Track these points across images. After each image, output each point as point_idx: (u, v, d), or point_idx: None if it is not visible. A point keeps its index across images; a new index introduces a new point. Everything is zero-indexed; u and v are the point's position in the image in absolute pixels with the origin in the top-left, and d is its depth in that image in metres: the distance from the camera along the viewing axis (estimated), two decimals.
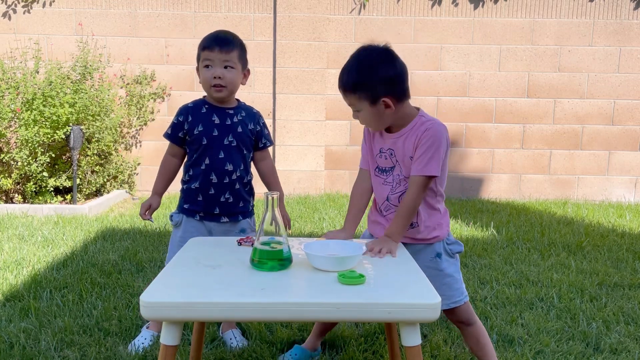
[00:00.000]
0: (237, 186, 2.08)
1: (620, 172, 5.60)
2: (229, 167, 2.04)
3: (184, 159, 2.12)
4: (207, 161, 2.03)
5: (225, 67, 1.97)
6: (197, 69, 2.03)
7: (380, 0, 5.37)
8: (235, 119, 2.07)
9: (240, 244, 1.67)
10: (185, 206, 2.09)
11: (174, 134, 2.06)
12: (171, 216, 2.12)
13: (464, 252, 3.46)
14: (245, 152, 2.09)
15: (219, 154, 2.03)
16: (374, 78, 1.69)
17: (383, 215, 1.84)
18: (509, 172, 5.62)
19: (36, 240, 3.63)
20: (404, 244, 1.77)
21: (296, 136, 5.53)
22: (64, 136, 4.52)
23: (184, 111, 2.06)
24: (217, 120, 2.04)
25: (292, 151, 5.55)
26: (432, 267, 1.78)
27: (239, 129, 2.07)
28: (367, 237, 1.91)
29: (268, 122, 5.56)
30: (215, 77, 1.96)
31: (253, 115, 2.13)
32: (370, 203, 1.94)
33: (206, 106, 2.07)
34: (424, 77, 5.48)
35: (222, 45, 1.96)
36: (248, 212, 2.15)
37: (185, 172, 2.10)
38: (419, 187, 1.72)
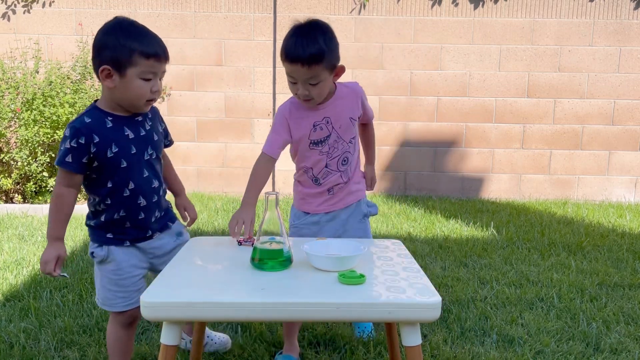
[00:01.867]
0: (163, 199, 1.81)
1: (621, 172, 5.59)
2: (155, 184, 1.74)
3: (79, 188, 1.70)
4: (130, 185, 1.67)
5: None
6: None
7: (380, 0, 5.37)
8: (147, 126, 1.72)
9: (241, 244, 1.67)
10: (109, 235, 1.71)
11: (76, 162, 1.58)
12: (92, 253, 1.72)
13: (463, 252, 3.46)
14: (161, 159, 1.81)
15: (142, 174, 1.69)
16: (334, 46, 1.79)
17: (319, 183, 1.97)
18: (509, 172, 5.62)
19: (36, 240, 3.62)
20: (336, 211, 2.00)
21: None
22: None
23: (83, 130, 1.58)
24: (130, 135, 1.66)
25: None
26: (361, 228, 2.04)
27: (155, 137, 1.74)
28: (299, 217, 2.03)
29: (268, 122, 5.56)
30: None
31: (156, 112, 1.82)
32: (273, 182, 2.10)
33: (110, 118, 1.64)
34: (424, 77, 5.48)
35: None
36: (172, 214, 1.89)
37: (99, 201, 1.69)
38: (371, 125, 2.16)
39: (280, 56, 1.80)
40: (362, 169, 2.18)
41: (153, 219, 1.75)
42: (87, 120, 1.60)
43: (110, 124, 1.63)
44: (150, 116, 1.75)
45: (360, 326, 2.28)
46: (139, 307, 1.57)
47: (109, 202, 1.67)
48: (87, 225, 1.75)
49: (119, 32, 1.57)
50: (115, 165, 1.64)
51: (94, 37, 1.64)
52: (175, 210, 1.94)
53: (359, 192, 2.05)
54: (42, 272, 1.64)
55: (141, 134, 1.69)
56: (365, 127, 2.15)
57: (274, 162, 1.91)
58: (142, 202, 1.70)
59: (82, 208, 4.46)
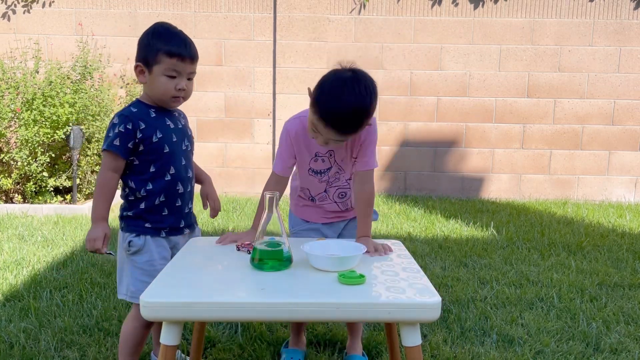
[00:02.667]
0: (193, 192, 1.90)
1: (620, 172, 5.60)
2: (190, 173, 1.86)
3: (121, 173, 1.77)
4: (172, 170, 1.78)
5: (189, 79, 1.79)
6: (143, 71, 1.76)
7: (380, 0, 5.37)
8: (182, 122, 1.88)
9: (239, 249, 1.67)
10: (148, 225, 1.77)
11: (123, 146, 1.70)
12: (129, 242, 1.76)
13: (463, 252, 3.46)
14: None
15: (181, 161, 1.82)
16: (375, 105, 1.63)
17: (317, 203, 1.94)
18: (509, 172, 5.62)
19: (36, 240, 3.63)
20: (335, 222, 1.97)
21: None
22: (64, 136, 4.52)
23: (131, 117, 1.72)
24: (171, 125, 1.81)
25: None
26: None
27: (189, 132, 1.90)
28: (299, 223, 2.00)
29: (268, 122, 5.56)
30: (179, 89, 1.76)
31: (186, 118, 1.95)
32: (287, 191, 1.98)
33: (152, 110, 1.78)
34: (424, 77, 5.48)
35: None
36: (195, 217, 1.96)
37: (140, 187, 1.76)
38: (372, 179, 1.82)
39: (317, 112, 1.60)
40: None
41: (186, 210, 1.86)
42: (134, 110, 1.75)
43: (153, 114, 1.77)
44: (183, 116, 1.91)
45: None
46: None
47: (150, 187, 1.76)
48: (122, 217, 1.82)
49: (151, 34, 1.72)
50: (160, 150, 1.75)
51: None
52: (197, 206, 1.99)
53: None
54: (90, 249, 1.70)
55: (179, 126, 1.84)
56: (361, 181, 1.81)
57: (286, 181, 1.86)
58: (180, 188, 1.81)
59: (82, 208, 4.47)
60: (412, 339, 1.30)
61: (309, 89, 1.68)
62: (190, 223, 1.89)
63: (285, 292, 1.33)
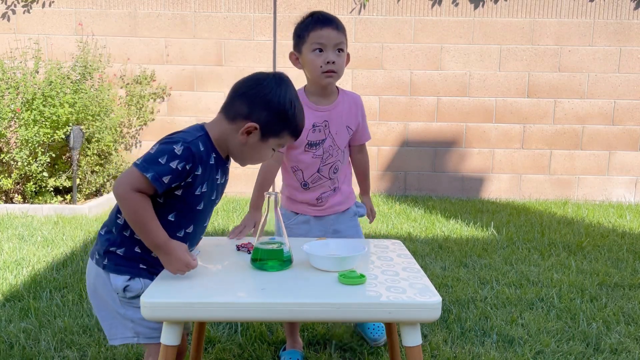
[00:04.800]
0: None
1: (621, 172, 5.59)
2: (204, 231, 1.64)
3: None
4: (189, 229, 1.51)
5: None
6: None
7: (380, 0, 5.37)
8: (227, 175, 1.61)
9: (239, 249, 1.67)
10: (142, 266, 1.50)
11: (168, 184, 1.38)
12: (125, 287, 1.48)
13: (463, 252, 3.46)
14: None
15: (205, 221, 1.58)
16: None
17: (308, 188, 1.98)
18: (509, 172, 5.62)
19: (36, 240, 3.62)
20: (324, 216, 2.02)
21: None
22: (64, 136, 4.52)
23: (196, 158, 1.41)
24: (219, 180, 1.54)
25: None
26: (352, 226, 2.08)
27: (225, 186, 1.64)
28: (289, 217, 2.02)
29: None
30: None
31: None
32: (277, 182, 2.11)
33: (214, 155, 1.48)
34: (424, 77, 5.48)
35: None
36: None
37: None
38: (366, 149, 2.11)
39: (304, 29, 1.87)
40: (359, 199, 2.19)
41: None
42: (202, 148, 1.43)
43: (212, 162, 1.48)
44: (228, 166, 1.63)
45: (372, 331, 2.21)
46: (185, 335, 1.53)
47: None
48: (108, 252, 1.49)
49: (287, 101, 1.47)
50: (194, 205, 1.48)
51: (253, 82, 1.53)
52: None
53: (349, 201, 2.07)
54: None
55: (222, 182, 1.58)
56: (360, 152, 2.10)
57: (281, 158, 1.93)
58: (187, 245, 1.51)
59: (81, 208, 4.47)
60: (412, 339, 1.30)
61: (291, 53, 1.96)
62: None
63: (285, 292, 1.33)
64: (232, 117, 1.47)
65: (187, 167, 1.38)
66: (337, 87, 1.96)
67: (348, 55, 1.89)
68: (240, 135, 1.46)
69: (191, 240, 1.56)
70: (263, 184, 1.91)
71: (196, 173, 1.41)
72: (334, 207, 2.02)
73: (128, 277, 1.48)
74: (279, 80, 1.49)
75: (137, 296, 1.45)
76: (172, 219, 1.47)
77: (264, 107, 1.45)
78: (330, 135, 1.92)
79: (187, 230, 1.51)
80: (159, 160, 1.35)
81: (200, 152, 1.42)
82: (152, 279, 1.47)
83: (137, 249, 1.48)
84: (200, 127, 1.49)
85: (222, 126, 1.49)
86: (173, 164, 1.36)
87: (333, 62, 1.81)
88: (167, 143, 1.39)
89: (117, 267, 1.48)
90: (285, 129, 1.48)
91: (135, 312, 1.48)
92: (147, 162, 1.36)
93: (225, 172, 1.58)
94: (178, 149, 1.37)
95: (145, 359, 1.60)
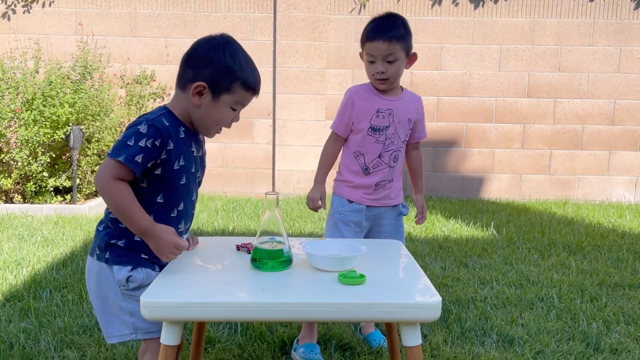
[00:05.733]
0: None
1: (621, 172, 5.59)
2: (195, 210, 1.64)
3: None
4: (180, 207, 1.54)
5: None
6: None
7: (380, 0, 5.37)
8: (204, 148, 1.64)
9: (239, 249, 1.67)
10: (144, 256, 1.50)
11: (143, 164, 1.40)
12: (128, 278, 1.48)
13: (463, 252, 3.46)
14: None
15: (192, 196, 1.58)
16: (409, 33, 1.99)
17: (369, 173, 2.06)
18: (509, 172, 5.62)
19: (36, 240, 3.62)
20: (376, 207, 2.10)
21: (296, 136, 5.52)
22: (64, 136, 4.52)
23: (163, 133, 1.43)
24: (195, 152, 1.56)
25: (292, 151, 5.55)
26: (396, 223, 2.15)
27: (205, 161, 1.66)
28: (343, 204, 2.10)
29: (268, 122, 5.56)
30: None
31: (204, 138, 1.69)
32: (337, 168, 2.17)
33: (182, 129, 1.51)
34: (424, 77, 5.48)
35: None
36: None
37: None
38: (420, 149, 2.22)
39: (361, 40, 2.00)
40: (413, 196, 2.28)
41: None
42: (166, 123, 1.46)
43: (182, 135, 1.50)
44: (204, 141, 1.65)
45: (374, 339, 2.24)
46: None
47: (151, 217, 1.45)
48: (109, 245, 1.50)
49: (228, 54, 1.47)
50: (176, 180, 1.50)
51: (195, 47, 1.52)
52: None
53: (399, 198, 2.16)
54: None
55: (199, 154, 1.60)
56: (416, 148, 2.21)
57: (343, 140, 2.09)
58: (181, 226, 1.58)
59: (81, 208, 4.46)
60: (412, 339, 1.30)
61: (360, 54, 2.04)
62: None
63: (285, 292, 1.33)
64: (183, 86, 1.51)
65: (157, 143, 1.42)
66: (401, 86, 2.09)
67: (414, 54, 2.00)
68: (192, 98, 1.48)
69: (185, 218, 1.58)
70: (326, 161, 2.10)
71: (168, 148, 1.45)
72: (385, 200, 2.10)
73: (130, 267, 1.50)
74: (219, 38, 1.51)
75: (139, 287, 1.48)
76: (161, 200, 1.50)
77: (207, 64, 1.47)
78: (393, 124, 2.03)
79: (178, 209, 1.54)
80: (128, 143, 1.40)
81: (165, 127, 1.45)
82: (153, 269, 1.51)
83: (136, 238, 1.49)
84: (163, 107, 1.54)
85: (179, 99, 1.53)
86: (142, 143, 1.40)
87: (382, 72, 1.96)
88: (132, 126, 1.43)
89: (120, 259, 1.50)
90: (234, 81, 1.48)
91: (136, 305, 1.45)
92: (117, 148, 1.40)
93: (199, 145, 1.61)
94: (142, 128, 1.41)
95: (140, 353, 1.61)
